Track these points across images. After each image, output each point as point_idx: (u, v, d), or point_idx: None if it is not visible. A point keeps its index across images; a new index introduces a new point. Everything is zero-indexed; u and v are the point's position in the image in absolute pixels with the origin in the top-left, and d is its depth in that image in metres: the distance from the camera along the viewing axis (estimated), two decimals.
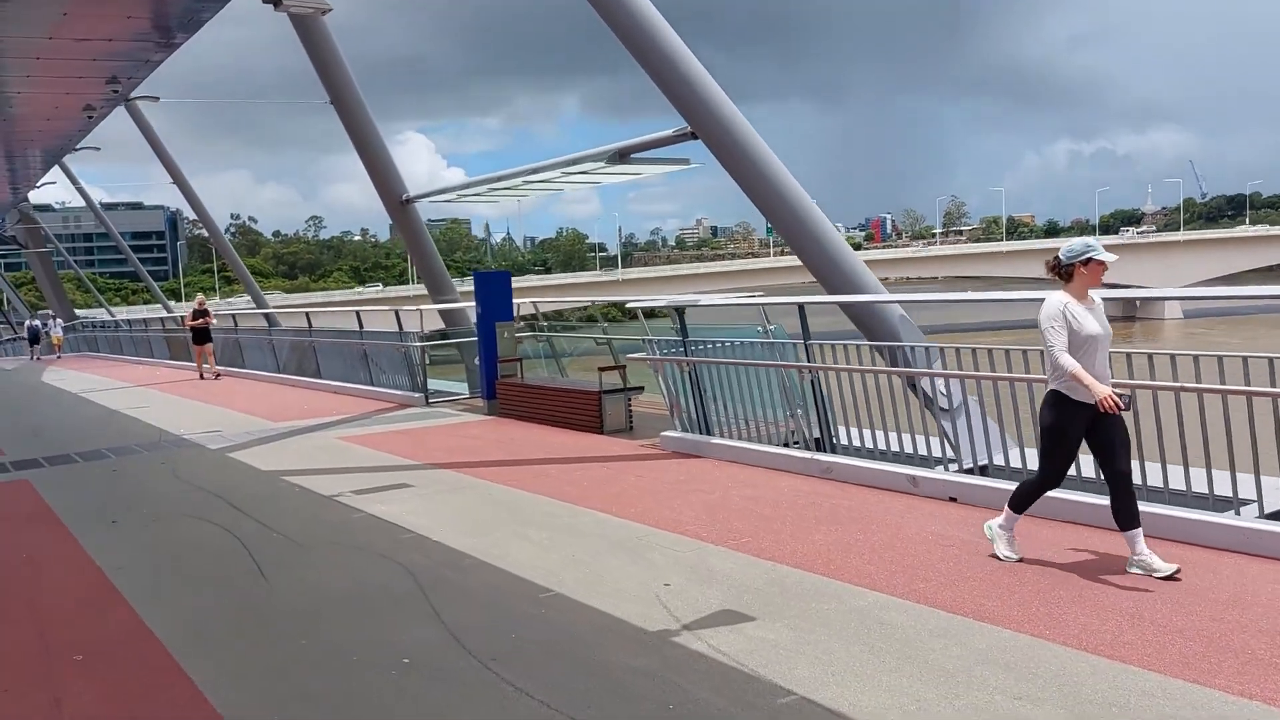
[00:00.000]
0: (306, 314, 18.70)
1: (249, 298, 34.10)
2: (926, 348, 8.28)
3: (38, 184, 43.06)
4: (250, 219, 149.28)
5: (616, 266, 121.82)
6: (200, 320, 21.41)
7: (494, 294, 13.74)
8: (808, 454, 8.69)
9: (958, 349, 7.87)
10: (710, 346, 9.99)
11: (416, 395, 15.19)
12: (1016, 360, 7.35)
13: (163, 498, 9.28)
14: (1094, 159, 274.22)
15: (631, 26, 9.40)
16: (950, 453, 8.06)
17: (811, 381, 9.12)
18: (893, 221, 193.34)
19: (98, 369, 29.23)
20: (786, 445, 9.29)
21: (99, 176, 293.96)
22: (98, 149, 34.93)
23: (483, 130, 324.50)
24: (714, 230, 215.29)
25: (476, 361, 16.23)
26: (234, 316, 23.96)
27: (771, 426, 9.73)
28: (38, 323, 39.81)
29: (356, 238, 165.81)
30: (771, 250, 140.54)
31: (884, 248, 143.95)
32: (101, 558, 7.08)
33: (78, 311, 53.46)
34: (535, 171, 12.77)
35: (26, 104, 19.95)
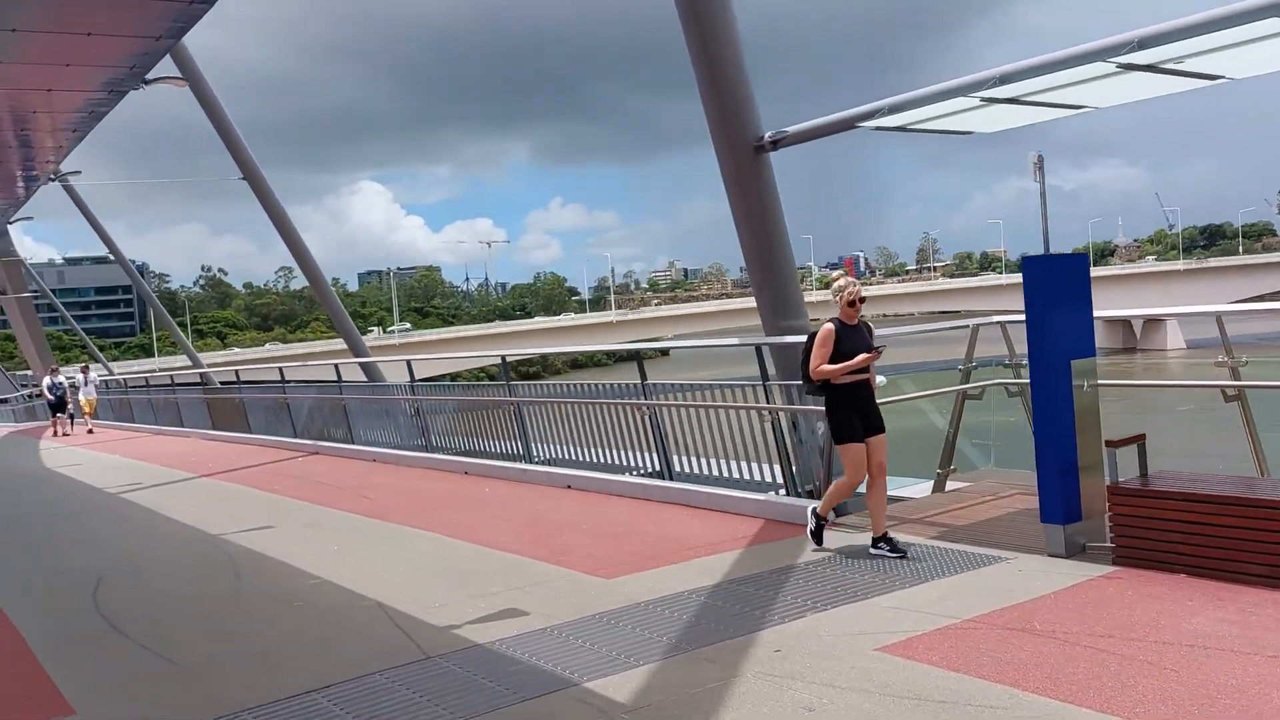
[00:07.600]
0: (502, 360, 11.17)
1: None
2: None
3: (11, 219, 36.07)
4: (220, 270, 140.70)
5: (610, 308, 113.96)
6: None
7: (1063, 301, 6.61)
8: None
9: None
10: None
11: (789, 503, 7.96)
12: None
13: None
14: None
15: None
16: None
17: None
18: (865, 259, 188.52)
19: (121, 445, 21.53)
20: None
21: (47, 234, 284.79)
22: (30, 218, 37.07)
23: (435, 179, 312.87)
24: (685, 272, 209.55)
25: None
26: (335, 367, 16.49)
27: None
28: (60, 379, 27.27)
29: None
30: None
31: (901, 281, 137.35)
32: None
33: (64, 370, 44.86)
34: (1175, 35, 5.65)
35: None
